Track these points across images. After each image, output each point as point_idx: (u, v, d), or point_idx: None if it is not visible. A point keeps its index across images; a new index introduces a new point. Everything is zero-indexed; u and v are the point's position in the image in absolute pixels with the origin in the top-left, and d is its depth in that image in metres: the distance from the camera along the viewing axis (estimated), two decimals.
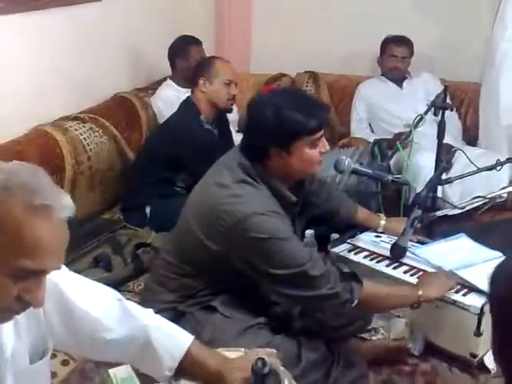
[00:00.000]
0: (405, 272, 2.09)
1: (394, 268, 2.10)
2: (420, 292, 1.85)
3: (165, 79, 3.33)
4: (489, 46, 3.20)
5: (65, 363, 1.85)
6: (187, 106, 2.75)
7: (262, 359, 1.11)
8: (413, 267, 2.11)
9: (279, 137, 1.72)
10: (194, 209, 1.83)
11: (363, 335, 2.06)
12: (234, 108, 3.24)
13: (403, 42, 3.41)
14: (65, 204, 0.99)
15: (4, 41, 2.47)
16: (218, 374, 1.28)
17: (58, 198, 0.99)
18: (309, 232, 2.29)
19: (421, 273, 2.07)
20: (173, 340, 1.32)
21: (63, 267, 1.24)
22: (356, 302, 1.73)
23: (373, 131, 3.53)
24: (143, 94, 3.25)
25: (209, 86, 2.72)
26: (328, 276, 1.71)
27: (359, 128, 3.52)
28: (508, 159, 2.49)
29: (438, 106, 2.42)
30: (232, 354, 1.41)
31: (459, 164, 2.95)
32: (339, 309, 1.76)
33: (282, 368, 1.30)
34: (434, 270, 2.07)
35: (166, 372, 1.29)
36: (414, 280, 2.02)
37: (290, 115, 1.71)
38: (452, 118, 3.26)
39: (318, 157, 1.79)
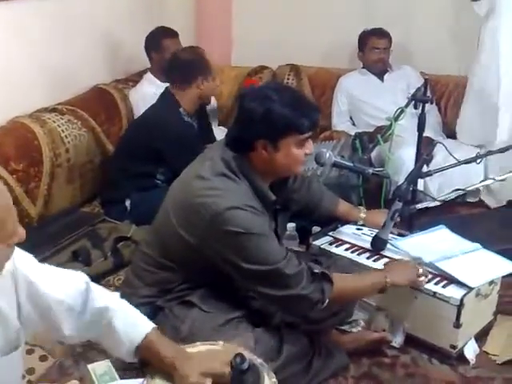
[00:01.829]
0: (385, 264, 2.09)
1: (375, 260, 2.11)
2: (387, 279, 1.86)
3: (145, 71, 3.30)
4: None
5: (43, 359, 1.83)
6: (166, 98, 2.72)
7: (241, 355, 1.10)
8: (394, 259, 2.11)
9: (269, 130, 1.72)
10: (173, 201, 1.82)
11: (344, 327, 2.06)
12: (213, 101, 3.23)
13: (383, 33, 3.43)
14: None
15: None
16: (172, 364, 1.31)
17: None
18: (290, 225, 2.29)
19: None
20: (133, 325, 1.36)
21: (31, 260, 1.29)
22: (326, 302, 1.73)
23: (354, 124, 3.54)
24: (122, 86, 3.22)
25: (205, 83, 2.70)
26: (301, 276, 1.71)
27: (340, 121, 3.52)
28: (488, 152, 2.52)
29: (418, 99, 2.43)
30: (211, 347, 1.41)
31: (439, 157, 2.97)
32: (309, 310, 1.76)
33: (259, 361, 1.30)
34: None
35: (125, 354, 1.34)
36: None
37: (282, 110, 1.70)
38: (432, 111, 3.28)
39: (302, 157, 1.79)
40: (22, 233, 1.11)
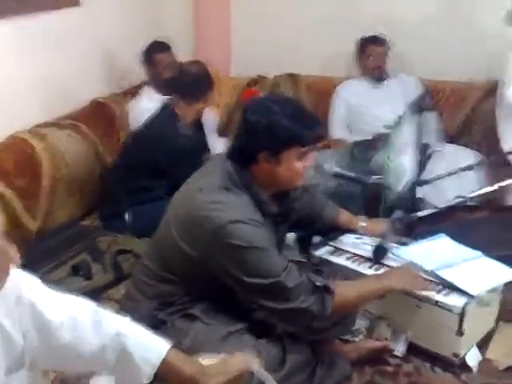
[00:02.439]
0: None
1: (376, 269, 2.10)
2: (384, 284, 1.87)
3: (143, 84, 3.30)
4: None
5: (45, 374, 1.82)
6: (166, 112, 2.71)
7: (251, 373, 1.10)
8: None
9: (271, 142, 1.72)
10: (174, 215, 1.82)
11: (346, 336, 2.06)
12: (214, 111, 3.24)
13: (381, 40, 3.44)
14: None
15: None
16: (193, 380, 1.28)
17: None
18: (290, 235, 2.29)
19: None
20: (150, 347, 1.31)
21: (40, 284, 1.26)
22: (328, 314, 1.73)
23: (352, 132, 3.54)
24: (121, 99, 3.23)
25: (210, 98, 2.73)
26: (301, 289, 1.71)
27: (338, 129, 3.53)
28: (484, 160, 2.52)
29: (418, 107, 2.44)
30: (211, 360, 1.40)
31: (437, 163, 2.97)
32: (310, 322, 1.75)
33: (266, 374, 1.29)
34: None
35: (144, 380, 1.29)
36: None
37: (285, 123, 1.71)
38: (431, 117, 3.28)
39: (303, 170, 1.79)
40: (15, 257, 1.06)
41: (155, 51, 3.17)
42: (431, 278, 2.02)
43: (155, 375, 1.29)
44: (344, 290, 1.80)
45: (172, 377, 1.29)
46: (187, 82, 2.71)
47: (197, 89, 2.69)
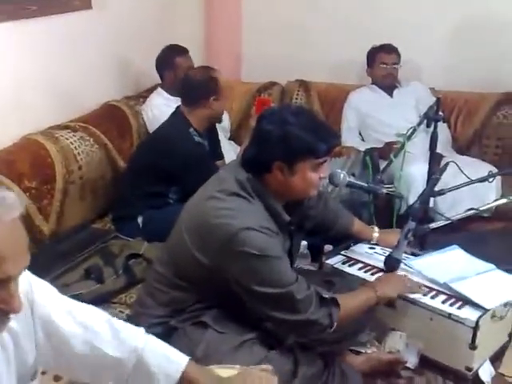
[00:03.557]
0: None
1: None
2: (377, 292, 1.88)
3: (155, 87, 3.31)
4: None
5: (57, 379, 1.81)
6: (177, 118, 2.70)
7: None
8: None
9: (286, 153, 1.72)
10: (187, 222, 1.81)
11: (358, 348, 2.05)
12: (226, 116, 3.23)
13: (392, 49, 3.44)
14: (9, 203, 0.95)
15: None
16: None
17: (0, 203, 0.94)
18: (302, 243, 2.29)
19: None
20: (168, 360, 1.29)
21: (54, 291, 1.24)
22: (334, 326, 1.73)
23: (363, 140, 3.53)
24: (134, 103, 3.23)
25: (216, 103, 2.68)
26: (310, 301, 1.71)
27: (350, 137, 3.52)
28: (499, 171, 2.51)
29: (430, 118, 2.43)
30: (226, 371, 1.39)
31: (449, 173, 2.96)
32: (318, 334, 1.75)
33: None
34: (427, 283, 2.08)
35: None
36: None
37: (301, 134, 1.70)
38: (442, 127, 3.27)
39: (317, 181, 1.79)
40: (17, 306, 0.98)
41: (175, 55, 3.17)
42: (445, 291, 2.01)
43: None
44: (343, 303, 1.79)
45: None
46: (188, 88, 2.71)
47: (197, 94, 2.67)
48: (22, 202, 0.97)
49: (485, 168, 3.01)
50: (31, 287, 1.18)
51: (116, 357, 1.26)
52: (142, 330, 1.34)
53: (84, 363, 1.25)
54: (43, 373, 1.75)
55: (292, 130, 1.70)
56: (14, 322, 1.08)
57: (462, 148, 3.49)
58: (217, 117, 2.75)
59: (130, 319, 1.77)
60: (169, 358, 1.30)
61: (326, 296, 1.75)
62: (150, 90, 3.32)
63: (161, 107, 3.07)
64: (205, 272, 1.74)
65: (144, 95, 3.32)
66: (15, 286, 0.98)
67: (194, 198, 1.87)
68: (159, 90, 3.24)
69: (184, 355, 1.33)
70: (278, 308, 1.70)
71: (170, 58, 3.17)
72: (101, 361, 1.25)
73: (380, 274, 2.14)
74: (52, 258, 2.22)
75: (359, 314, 1.89)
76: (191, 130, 2.69)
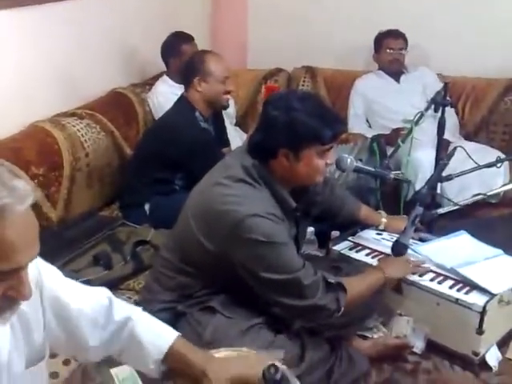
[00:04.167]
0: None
1: None
2: (385, 274, 1.91)
3: (161, 74, 3.31)
4: None
5: (66, 363, 1.83)
6: (182, 104, 2.69)
7: (275, 365, 1.11)
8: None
9: (291, 139, 1.71)
10: (193, 208, 1.81)
11: (365, 333, 2.06)
12: (231, 102, 3.22)
13: (399, 34, 3.42)
14: (21, 194, 0.94)
15: None
16: (203, 370, 1.28)
17: (11, 192, 0.93)
18: (309, 230, 2.28)
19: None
20: (158, 334, 1.34)
21: (60, 274, 1.27)
22: (342, 311, 1.74)
23: (370, 126, 3.52)
24: (140, 90, 3.22)
25: (204, 85, 2.63)
26: (317, 286, 1.71)
27: (357, 123, 3.51)
28: (507, 157, 2.50)
29: (438, 103, 2.42)
30: (234, 353, 1.41)
31: (456, 159, 2.95)
32: (326, 319, 1.76)
33: (289, 372, 1.29)
34: (434, 268, 2.08)
35: (151, 365, 1.31)
36: (415, 278, 2.03)
37: (306, 120, 1.70)
38: (449, 113, 3.25)
39: (323, 167, 1.78)
40: (27, 293, 0.99)
41: (180, 42, 3.16)
42: (453, 276, 2.01)
43: (164, 362, 1.32)
44: (350, 286, 1.80)
45: (180, 363, 1.31)
46: (181, 70, 2.78)
47: (183, 76, 2.72)
48: (33, 191, 0.97)
49: (492, 154, 2.99)
50: (39, 271, 1.19)
51: (111, 329, 1.31)
52: (139, 308, 1.40)
53: (86, 339, 1.29)
54: (53, 356, 1.78)
55: (298, 116, 1.70)
56: (23, 304, 1.09)
57: (469, 134, 3.47)
58: (213, 101, 2.68)
59: (138, 305, 1.78)
60: (160, 332, 1.35)
61: (333, 281, 1.75)
62: (156, 78, 3.32)
63: (166, 94, 3.07)
64: (211, 258, 1.74)
65: (150, 83, 3.31)
66: (25, 274, 0.99)
67: (200, 185, 1.87)
68: (165, 77, 3.24)
69: (175, 331, 1.37)
70: (286, 294, 1.71)
71: (176, 45, 3.16)
72: (99, 335, 1.30)
73: None
74: (60, 244, 2.23)
75: (368, 295, 1.90)
76: (197, 115, 2.68)
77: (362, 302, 1.88)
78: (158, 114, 3.03)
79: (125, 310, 1.34)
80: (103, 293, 1.36)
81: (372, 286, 1.89)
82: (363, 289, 1.86)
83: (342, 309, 1.74)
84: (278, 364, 1.13)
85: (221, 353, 1.40)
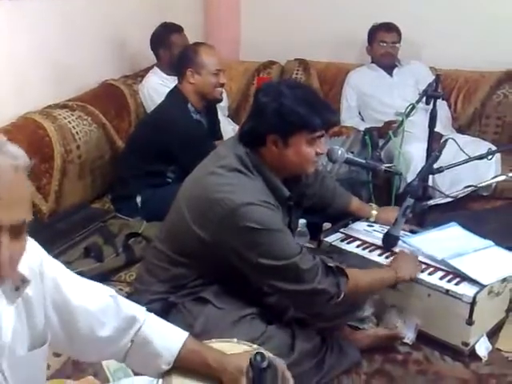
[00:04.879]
0: (392, 260, 2.08)
1: (387, 257, 2.11)
2: (396, 274, 1.91)
3: (152, 67, 3.29)
4: None
5: (57, 354, 1.83)
6: (175, 96, 2.69)
7: (261, 353, 1.11)
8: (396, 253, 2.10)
9: (279, 125, 1.71)
10: (186, 198, 1.81)
11: (356, 324, 2.07)
12: (224, 95, 3.21)
13: (392, 27, 3.42)
14: (10, 150, 0.96)
15: None
16: (222, 367, 1.26)
17: (3, 149, 0.95)
18: (300, 221, 2.29)
19: None
20: (167, 334, 1.31)
21: (60, 265, 1.25)
22: (342, 295, 1.74)
23: (363, 119, 3.52)
24: (131, 82, 3.21)
25: (197, 76, 2.63)
26: (316, 271, 1.71)
27: (349, 116, 3.51)
28: (498, 149, 2.51)
29: (429, 95, 2.42)
30: (225, 344, 1.41)
31: (448, 152, 2.96)
32: (326, 304, 1.76)
33: (277, 359, 1.30)
34: (425, 259, 2.08)
35: (163, 366, 1.29)
36: None
37: (294, 107, 1.70)
38: (441, 106, 3.26)
39: (313, 156, 1.78)
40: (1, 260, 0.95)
41: (170, 32, 3.15)
42: (443, 267, 2.02)
43: (176, 362, 1.29)
44: (357, 276, 1.81)
45: (195, 362, 1.29)
46: (174, 62, 2.78)
47: (176, 67, 2.72)
48: (26, 157, 0.98)
49: (485, 147, 2.99)
50: (42, 261, 1.18)
51: (116, 329, 1.28)
52: (143, 308, 1.36)
53: (91, 336, 1.26)
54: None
55: (286, 102, 1.70)
56: (28, 288, 1.09)
57: (462, 127, 3.48)
58: (205, 93, 2.68)
59: (129, 296, 1.78)
60: (169, 332, 1.32)
61: (332, 265, 1.75)
62: (148, 70, 3.30)
63: (157, 86, 3.06)
64: (205, 248, 1.74)
65: (142, 74, 3.29)
66: (6, 239, 0.94)
67: (193, 175, 1.87)
68: (155, 69, 3.22)
69: (183, 330, 1.34)
70: (285, 279, 1.71)
71: (165, 36, 3.15)
72: (102, 333, 1.26)
73: (378, 251, 2.15)
74: (51, 236, 2.21)
75: (374, 290, 1.92)
76: (189, 107, 2.68)
77: (366, 293, 1.91)
78: (149, 105, 3.02)
79: (130, 308, 1.31)
80: (106, 291, 1.32)
81: (382, 282, 1.91)
82: (372, 281, 1.87)
83: (343, 293, 1.74)
84: (264, 352, 1.13)
85: (213, 344, 1.40)
